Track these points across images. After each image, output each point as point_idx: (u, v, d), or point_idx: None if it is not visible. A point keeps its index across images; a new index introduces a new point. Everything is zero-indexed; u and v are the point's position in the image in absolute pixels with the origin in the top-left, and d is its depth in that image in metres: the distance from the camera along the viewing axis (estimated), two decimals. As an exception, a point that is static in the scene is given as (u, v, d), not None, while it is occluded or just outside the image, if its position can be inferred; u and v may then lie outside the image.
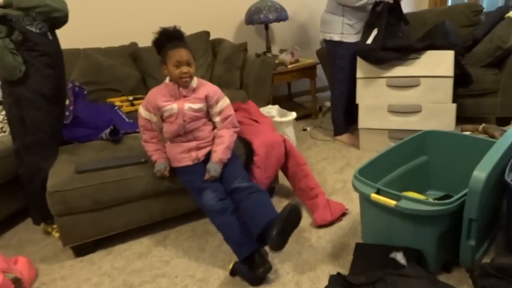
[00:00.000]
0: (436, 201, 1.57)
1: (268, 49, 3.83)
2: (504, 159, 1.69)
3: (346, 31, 2.87)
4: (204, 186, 1.86)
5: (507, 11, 3.14)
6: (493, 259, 1.69)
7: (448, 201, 1.53)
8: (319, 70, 3.64)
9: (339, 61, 2.96)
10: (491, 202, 1.71)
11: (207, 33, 3.56)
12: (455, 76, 2.66)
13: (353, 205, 2.23)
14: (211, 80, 3.20)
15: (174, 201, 2.13)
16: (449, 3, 4.35)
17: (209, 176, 1.87)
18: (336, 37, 2.91)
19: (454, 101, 2.67)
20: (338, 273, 1.61)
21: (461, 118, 2.88)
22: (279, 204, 2.33)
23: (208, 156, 1.94)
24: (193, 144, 1.94)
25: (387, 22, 2.74)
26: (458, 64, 2.72)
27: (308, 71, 3.66)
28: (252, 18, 3.58)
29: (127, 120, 2.69)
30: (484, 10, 3.44)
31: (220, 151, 1.90)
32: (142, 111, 1.97)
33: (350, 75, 2.94)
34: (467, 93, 3.00)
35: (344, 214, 2.17)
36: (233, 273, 1.78)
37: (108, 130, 2.31)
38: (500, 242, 1.83)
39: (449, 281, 1.63)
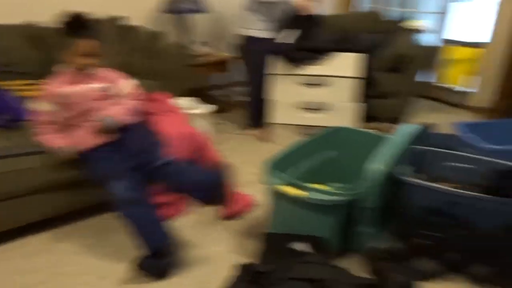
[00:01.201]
0: (337, 191, 1.68)
1: (186, 41, 3.77)
2: (399, 153, 1.87)
3: (259, 27, 2.94)
4: (114, 173, 1.76)
5: (404, 21, 3.47)
6: (385, 245, 1.87)
7: (351, 192, 1.65)
8: (235, 64, 3.67)
9: (253, 56, 3.02)
10: (386, 193, 1.87)
11: (123, 19, 3.38)
12: (362, 79, 2.87)
13: (264, 197, 2.29)
14: (125, 68, 3.06)
15: (76, 194, 2.01)
16: (360, 9, 4.66)
17: (101, 127, 1.80)
18: (250, 33, 2.97)
19: (361, 101, 2.88)
20: (246, 262, 1.65)
21: (364, 117, 3.10)
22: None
23: (118, 142, 1.85)
24: (98, 124, 1.83)
25: (303, 23, 2.86)
26: (366, 68, 2.94)
27: (224, 65, 3.67)
28: (170, 7, 3.49)
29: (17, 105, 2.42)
30: (384, 19, 3.76)
31: (117, 109, 1.87)
32: (41, 104, 1.86)
33: (264, 71, 3.01)
34: (371, 94, 3.24)
35: (253, 206, 2.23)
36: (138, 267, 1.73)
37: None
38: (391, 230, 2.02)
39: (345, 265, 1.76)
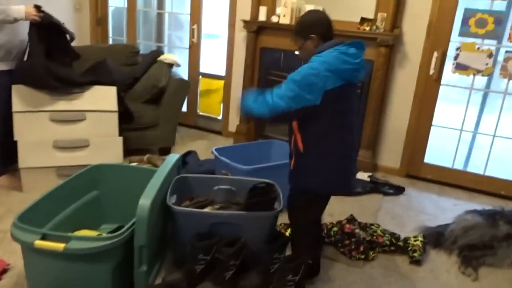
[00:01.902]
0: (107, 235, 1.55)
1: None
2: (166, 184, 1.88)
3: None
4: None
5: (159, 55, 3.61)
6: (164, 278, 1.83)
7: (117, 233, 1.54)
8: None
9: None
10: (158, 226, 1.85)
11: None
12: (119, 112, 2.79)
13: (17, 258, 1.90)
14: None
15: None
16: (110, 41, 4.58)
17: None
18: None
19: (120, 134, 2.79)
20: None
21: (128, 151, 3.03)
22: None
23: None
24: None
25: (53, 45, 2.59)
26: (120, 101, 2.87)
27: None
28: None
29: None
30: (140, 52, 3.82)
31: None
32: None
33: (6, 108, 2.56)
34: (131, 127, 3.20)
35: (5, 271, 1.82)
36: None
37: None
38: (168, 261, 2.01)
39: (127, 312, 1.64)
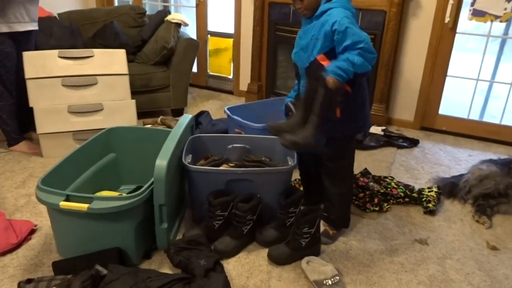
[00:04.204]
0: (127, 195, 1.60)
1: None
2: (180, 145, 1.91)
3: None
4: None
5: (166, 15, 3.54)
6: (184, 234, 1.90)
7: (137, 193, 1.58)
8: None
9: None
10: (175, 185, 1.90)
11: None
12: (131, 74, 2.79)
13: (43, 219, 2.00)
14: None
15: None
16: (116, 3, 4.50)
17: None
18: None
19: (132, 97, 2.80)
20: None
21: (141, 113, 3.05)
22: None
23: None
24: None
25: None
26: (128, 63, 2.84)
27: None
28: None
29: None
30: (147, 12, 3.75)
31: None
32: None
33: (17, 75, 2.58)
34: (143, 89, 3.21)
35: (33, 232, 1.91)
36: None
37: None
38: (187, 218, 2.08)
39: (151, 266, 1.72)
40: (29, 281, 1.47)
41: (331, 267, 1.70)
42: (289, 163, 1.95)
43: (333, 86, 1.52)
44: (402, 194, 2.28)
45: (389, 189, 2.30)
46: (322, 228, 1.92)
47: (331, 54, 1.61)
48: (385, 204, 2.22)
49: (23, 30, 2.55)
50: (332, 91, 1.54)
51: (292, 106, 1.84)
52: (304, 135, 1.58)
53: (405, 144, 3.04)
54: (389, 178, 2.45)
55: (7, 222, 1.85)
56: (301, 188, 2.20)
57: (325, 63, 1.60)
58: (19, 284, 1.48)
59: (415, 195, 2.28)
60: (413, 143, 3.07)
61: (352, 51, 1.54)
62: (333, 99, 1.60)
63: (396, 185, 2.36)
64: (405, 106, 3.37)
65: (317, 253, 1.83)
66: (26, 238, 1.86)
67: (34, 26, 2.63)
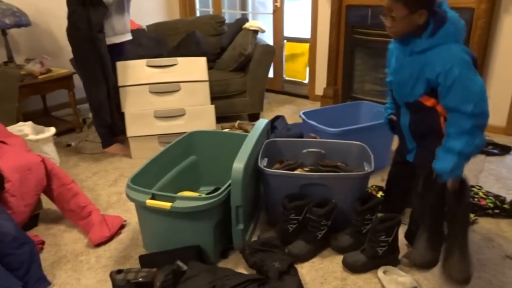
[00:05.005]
0: (207, 196, 1.68)
1: (10, 59, 3.32)
2: (256, 148, 1.96)
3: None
4: None
5: (244, 23, 3.66)
6: (259, 236, 1.94)
7: (215, 194, 1.66)
8: (77, 80, 3.38)
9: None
10: (251, 188, 1.95)
11: None
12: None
13: (131, 216, 2.17)
14: None
15: None
16: (198, 13, 4.74)
17: None
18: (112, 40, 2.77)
19: (211, 103, 2.93)
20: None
21: (220, 118, 3.18)
22: (47, 232, 2.06)
23: None
24: None
25: None
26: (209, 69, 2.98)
27: (64, 81, 3.34)
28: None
29: None
30: (226, 21, 3.90)
31: None
32: None
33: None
34: (221, 95, 3.34)
35: (122, 227, 2.08)
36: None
37: None
38: (262, 221, 2.12)
39: (227, 265, 1.78)
40: (119, 271, 1.61)
41: (410, 279, 1.63)
42: (366, 168, 1.90)
43: (455, 187, 1.41)
44: (491, 205, 2.11)
45: (476, 199, 2.15)
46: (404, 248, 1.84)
47: (435, 92, 1.47)
48: (472, 215, 2.07)
49: (119, 42, 2.80)
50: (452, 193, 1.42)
51: (394, 118, 1.78)
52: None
53: (495, 151, 2.81)
54: (477, 187, 2.28)
55: (101, 217, 2.04)
56: (379, 195, 2.14)
57: (430, 103, 1.50)
58: (111, 274, 1.62)
59: (506, 206, 2.10)
60: (505, 150, 2.82)
61: (464, 121, 1.38)
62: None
63: (485, 195, 2.19)
64: (495, 111, 3.10)
65: (394, 262, 1.76)
66: (117, 232, 2.03)
67: (127, 37, 2.89)
